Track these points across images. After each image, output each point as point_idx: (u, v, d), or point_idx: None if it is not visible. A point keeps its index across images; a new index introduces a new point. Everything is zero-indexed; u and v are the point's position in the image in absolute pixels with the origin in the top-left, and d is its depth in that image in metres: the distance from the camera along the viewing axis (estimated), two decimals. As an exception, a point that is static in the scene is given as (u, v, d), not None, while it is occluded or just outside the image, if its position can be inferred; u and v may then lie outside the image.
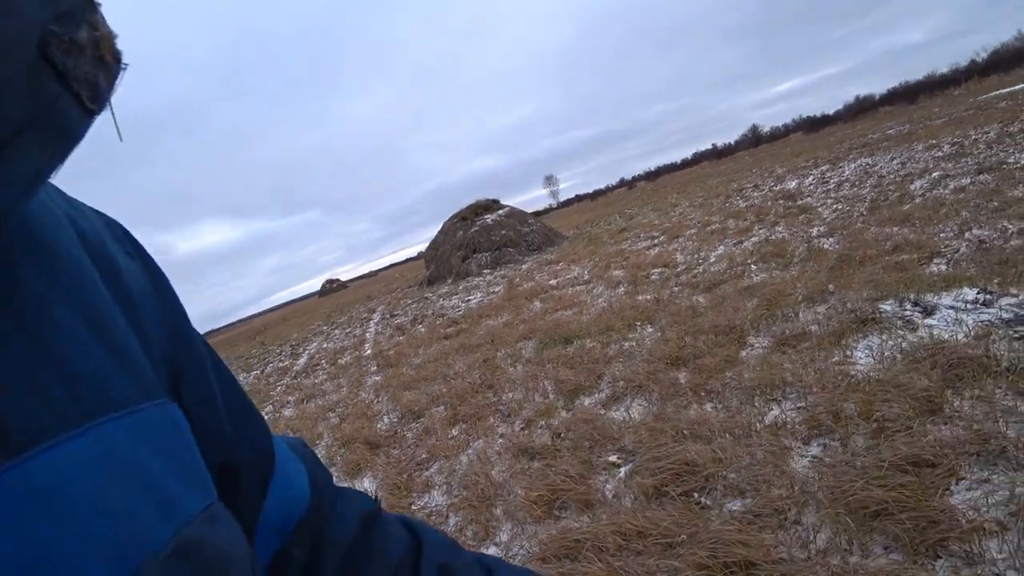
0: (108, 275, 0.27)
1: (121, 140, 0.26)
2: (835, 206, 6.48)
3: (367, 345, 8.44)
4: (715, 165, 46.92)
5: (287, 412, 5.80)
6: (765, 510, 1.68)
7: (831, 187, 8.11)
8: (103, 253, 0.28)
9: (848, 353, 2.57)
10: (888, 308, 2.85)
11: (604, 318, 4.73)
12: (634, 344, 3.82)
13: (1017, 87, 17.03)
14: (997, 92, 17.91)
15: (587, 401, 3.20)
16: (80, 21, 0.20)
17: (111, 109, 0.23)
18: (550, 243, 13.32)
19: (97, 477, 0.20)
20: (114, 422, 0.22)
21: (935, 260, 3.43)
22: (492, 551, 2.14)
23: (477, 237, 13.56)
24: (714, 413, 2.47)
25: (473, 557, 0.45)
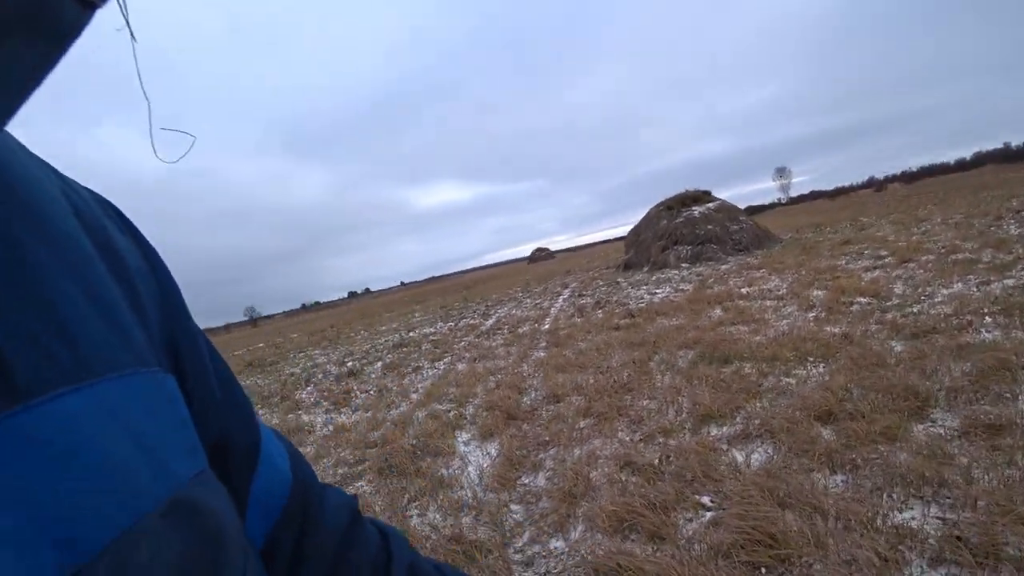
0: (104, 249, 0.27)
1: (134, 40, 0.24)
2: None
3: (547, 320, 8.90)
4: (1001, 171, 35.72)
5: (460, 367, 6.55)
6: (827, 617, 1.46)
7: None
8: (98, 228, 0.28)
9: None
10: None
11: (777, 344, 4.25)
12: (793, 383, 3.39)
13: None
14: None
15: (714, 431, 3.01)
16: None
17: (123, 9, 0.21)
18: (759, 245, 12.00)
19: (96, 431, 0.20)
20: (111, 382, 0.22)
21: None
22: (556, 544, 2.27)
23: (680, 229, 12.92)
24: (838, 490, 2.13)
25: (426, 559, 0.48)
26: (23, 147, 0.27)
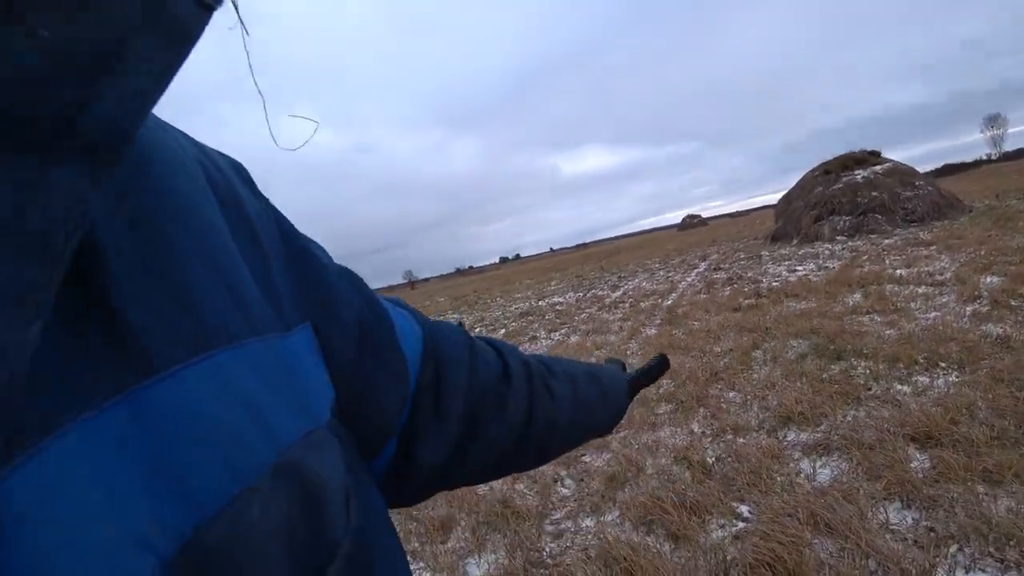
0: (232, 212, 0.28)
1: (248, 35, 0.25)
2: None
3: (672, 295, 8.43)
4: None
5: (573, 339, 6.58)
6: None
7: None
8: (229, 191, 0.29)
9: None
10: None
11: (908, 342, 3.52)
12: (907, 391, 2.81)
13: None
14: None
15: (791, 436, 2.66)
16: None
17: (235, 6, 0.22)
18: (939, 215, 9.64)
19: (214, 400, 0.22)
20: (227, 353, 0.23)
21: None
22: (587, 523, 2.27)
23: (839, 196, 11.01)
24: (901, 528, 1.77)
25: (533, 356, 0.55)
26: (161, 123, 0.28)
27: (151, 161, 0.24)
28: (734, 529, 1.97)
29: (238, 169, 0.33)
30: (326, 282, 0.35)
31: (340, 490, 0.28)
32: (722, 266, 10.86)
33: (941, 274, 5.39)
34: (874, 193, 10.37)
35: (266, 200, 0.34)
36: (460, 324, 0.50)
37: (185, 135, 0.30)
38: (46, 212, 0.15)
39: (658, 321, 6.57)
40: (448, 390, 0.42)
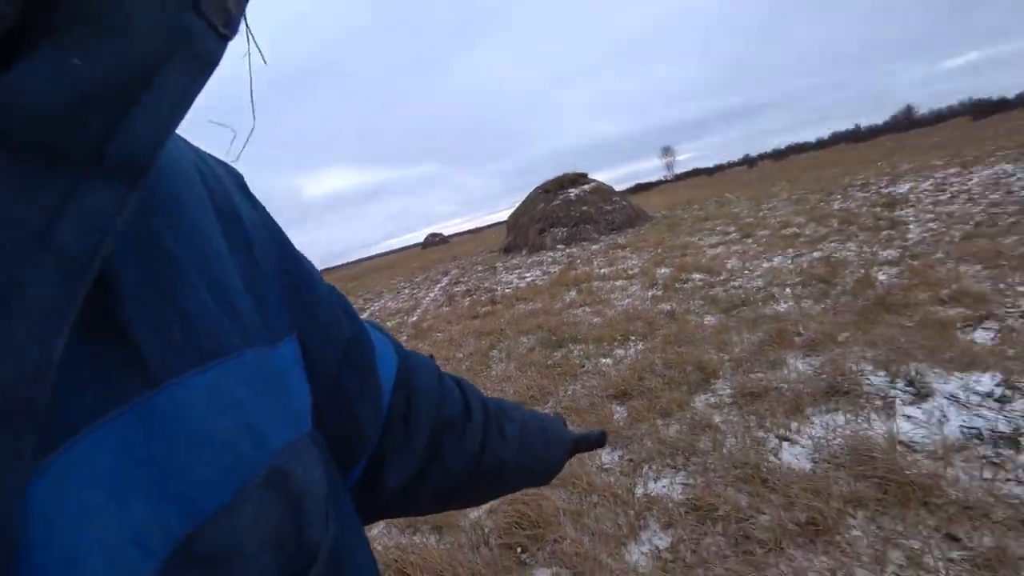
0: (229, 221, 0.31)
1: (265, 63, 0.28)
2: (931, 224, 5.52)
3: (417, 311, 8.78)
4: (849, 150, 41.72)
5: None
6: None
7: (943, 198, 6.90)
8: (226, 200, 0.31)
9: (799, 428, 2.22)
10: (876, 381, 2.40)
11: (610, 325, 4.51)
12: (610, 363, 3.61)
13: None
14: None
15: (529, 417, 3.10)
16: None
17: (250, 34, 0.24)
18: (631, 224, 12.72)
19: (207, 411, 0.23)
20: (220, 365, 0.25)
21: (984, 325, 2.80)
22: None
23: (557, 211, 13.34)
24: (612, 465, 2.29)
25: (490, 398, 0.59)
26: None
27: (159, 176, 0.26)
28: (487, 505, 2.20)
29: (235, 176, 0.35)
30: (317, 297, 0.38)
31: (322, 498, 0.30)
32: (462, 279, 11.87)
33: (632, 270, 7.05)
34: (584, 208, 12.93)
35: (263, 209, 0.37)
36: (431, 357, 0.56)
37: (183, 139, 0.32)
38: (77, 227, 0.17)
39: (405, 338, 6.78)
40: (417, 417, 0.47)
